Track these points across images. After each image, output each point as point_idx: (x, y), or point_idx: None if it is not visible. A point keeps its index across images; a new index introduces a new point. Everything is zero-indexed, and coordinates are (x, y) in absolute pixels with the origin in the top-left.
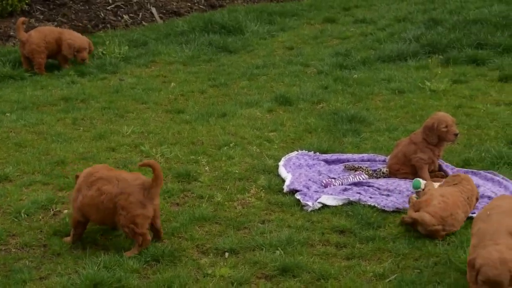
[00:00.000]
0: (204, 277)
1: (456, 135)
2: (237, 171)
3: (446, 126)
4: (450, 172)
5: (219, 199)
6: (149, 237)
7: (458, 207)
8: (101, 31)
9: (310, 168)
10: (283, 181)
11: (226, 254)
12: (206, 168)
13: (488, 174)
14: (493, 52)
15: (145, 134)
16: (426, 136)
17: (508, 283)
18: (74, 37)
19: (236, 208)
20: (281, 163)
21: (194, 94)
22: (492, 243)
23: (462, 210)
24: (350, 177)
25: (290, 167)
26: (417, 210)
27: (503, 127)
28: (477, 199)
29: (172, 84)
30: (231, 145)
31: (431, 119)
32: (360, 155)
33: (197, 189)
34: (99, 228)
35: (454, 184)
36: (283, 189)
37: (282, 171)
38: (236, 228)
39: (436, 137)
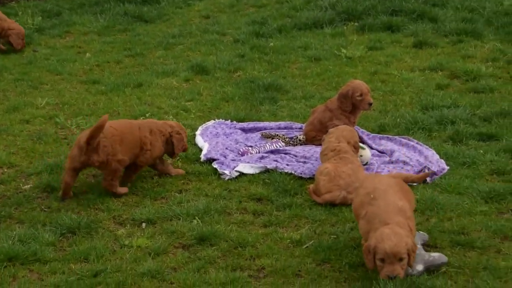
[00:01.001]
0: (121, 248)
1: (370, 104)
2: None
3: (361, 95)
4: (366, 138)
5: None
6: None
7: (355, 172)
8: (13, 2)
9: (227, 137)
10: (200, 150)
11: (143, 224)
12: None
13: (403, 140)
14: (408, 18)
15: (60, 106)
16: (341, 103)
17: (406, 256)
18: (15, 26)
19: (153, 178)
20: (198, 132)
21: (109, 65)
22: (382, 225)
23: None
24: (267, 145)
25: (207, 136)
26: (317, 195)
27: (417, 93)
28: (355, 144)
29: (87, 54)
30: (147, 115)
31: (346, 87)
32: (277, 123)
33: None
34: (14, 202)
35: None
36: (200, 158)
37: (199, 140)
38: (153, 199)
39: (350, 105)
